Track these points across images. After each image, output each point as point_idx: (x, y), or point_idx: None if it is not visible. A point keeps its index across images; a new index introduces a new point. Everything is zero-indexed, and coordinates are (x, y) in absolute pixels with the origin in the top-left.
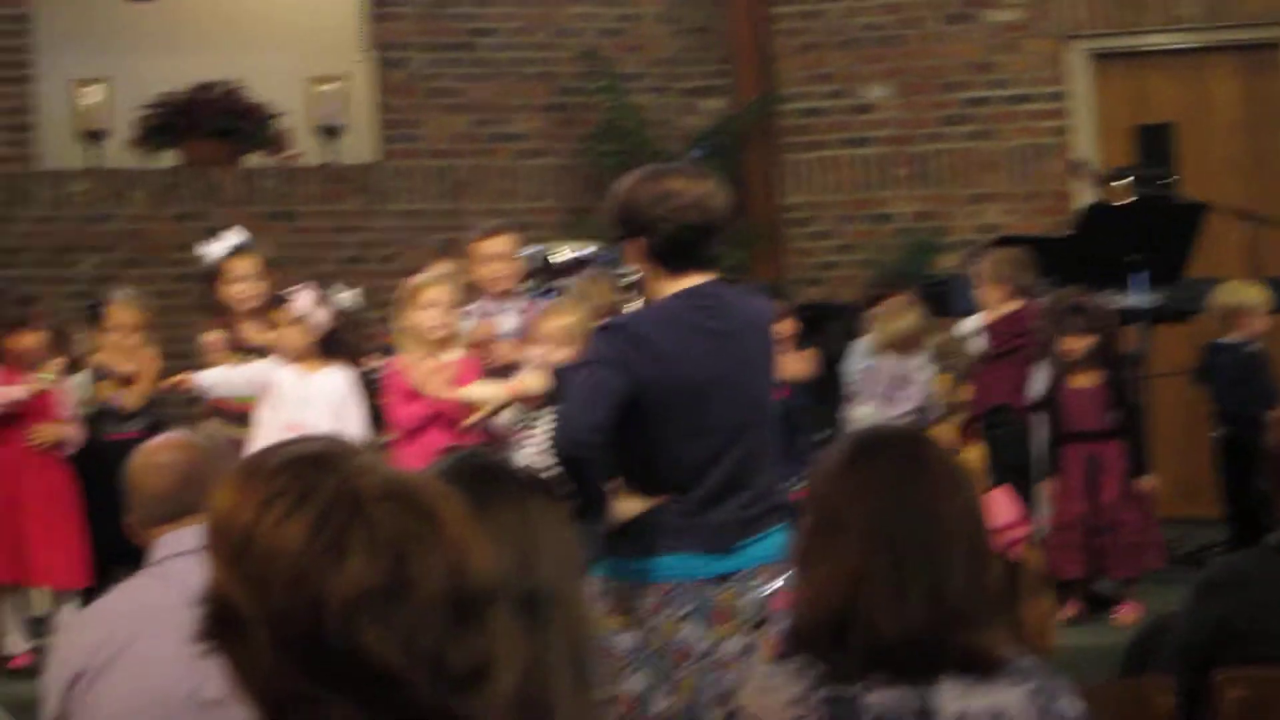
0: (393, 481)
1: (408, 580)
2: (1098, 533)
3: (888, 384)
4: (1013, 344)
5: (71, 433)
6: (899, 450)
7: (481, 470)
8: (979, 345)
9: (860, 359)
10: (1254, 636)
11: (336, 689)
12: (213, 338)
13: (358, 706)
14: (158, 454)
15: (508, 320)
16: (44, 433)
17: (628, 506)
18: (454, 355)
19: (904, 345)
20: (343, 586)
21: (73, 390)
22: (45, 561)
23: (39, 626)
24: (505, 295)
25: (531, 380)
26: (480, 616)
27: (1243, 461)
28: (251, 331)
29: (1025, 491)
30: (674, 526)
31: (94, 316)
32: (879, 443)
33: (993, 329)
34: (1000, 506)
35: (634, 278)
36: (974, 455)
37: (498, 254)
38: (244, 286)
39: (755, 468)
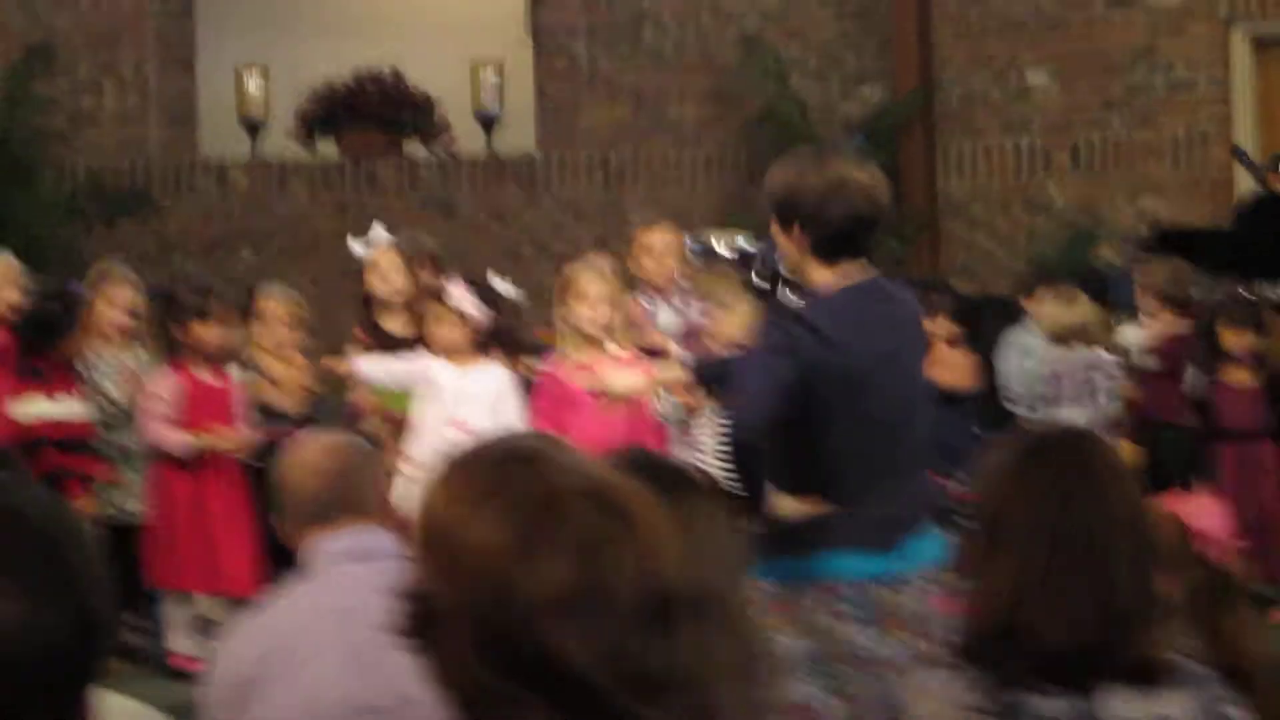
0: (592, 481)
1: (601, 582)
2: (1253, 534)
3: (1076, 381)
4: (1180, 364)
5: (251, 436)
6: (1064, 453)
7: (645, 467)
8: (1147, 362)
9: (1018, 354)
10: None
11: (530, 688)
12: (358, 352)
13: (550, 706)
14: (306, 454)
15: (663, 315)
16: (230, 443)
17: (790, 506)
18: (613, 351)
19: (1076, 337)
20: (537, 586)
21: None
22: (232, 569)
23: (199, 624)
24: (665, 288)
25: (670, 370)
26: (670, 621)
27: None
28: (396, 325)
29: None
30: (836, 524)
31: (248, 310)
32: (1044, 445)
33: (1161, 351)
34: (1206, 513)
35: (781, 268)
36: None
37: (661, 245)
38: (387, 279)
39: (916, 462)
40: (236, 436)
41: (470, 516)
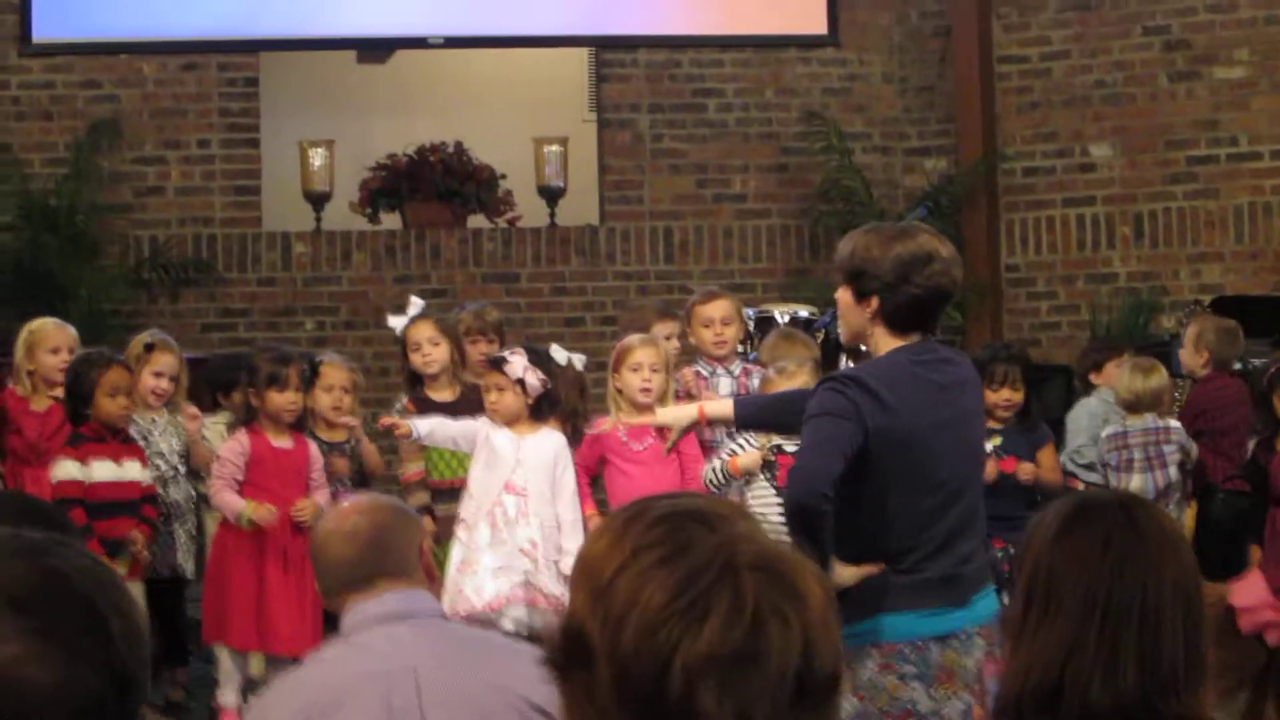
0: (768, 554)
1: (760, 652)
2: None
3: (1145, 448)
4: (1201, 425)
5: (326, 499)
6: (1113, 517)
7: None
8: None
9: (1092, 422)
10: None
11: None
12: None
13: None
14: (342, 520)
15: (723, 384)
16: (305, 510)
17: (846, 574)
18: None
19: (1150, 405)
20: (695, 646)
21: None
22: (285, 629)
23: (249, 682)
24: (724, 359)
25: (721, 407)
26: (822, 703)
27: None
28: (444, 394)
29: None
30: (897, 584)
31: (310, 377)
32: (1093, 509)
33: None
34: (1252, 589)
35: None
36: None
37: (718, 318)
38: (424, 353)
39: (975, 522)
40: (314, 507)
41: (643, 572)
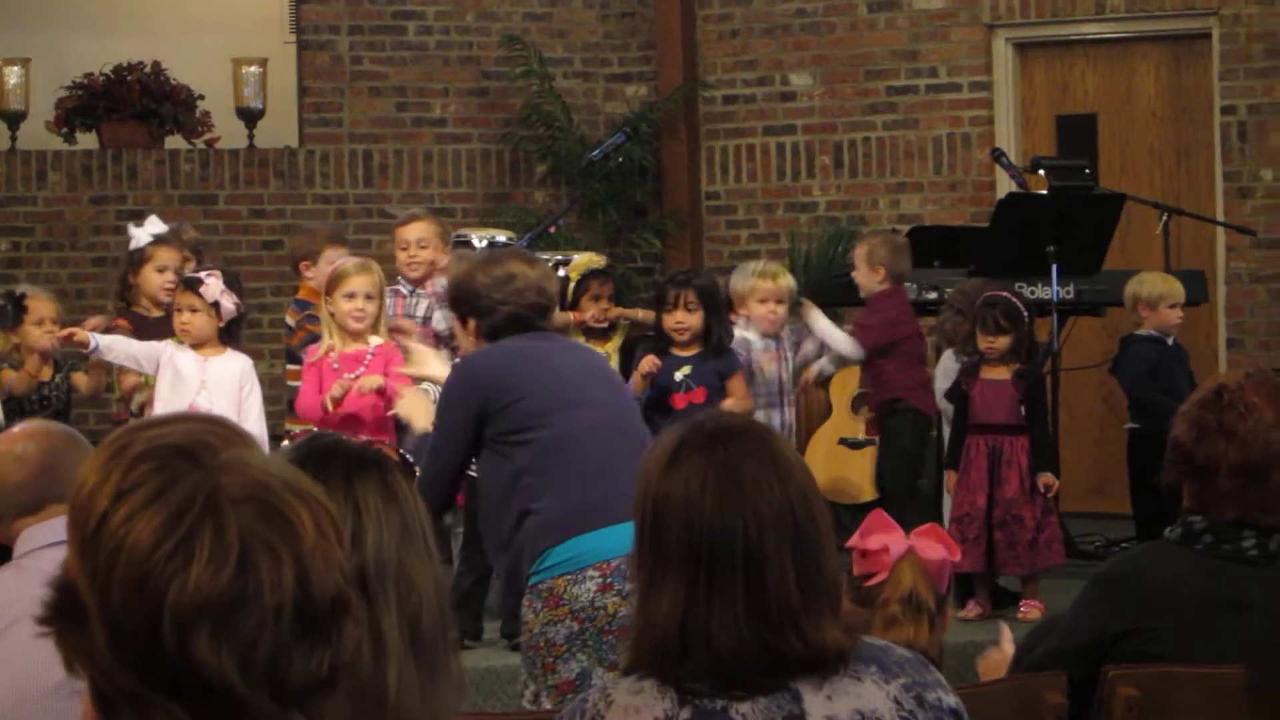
0: (256, 482)
1: (249, 592)
2: (997, 527)
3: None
4: (890, 336)
5: None
6: (707, 454)
7: (312, 453)
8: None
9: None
10: (1145, 635)
11: (168, 694)
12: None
13: (189, 714)
14: (11, 444)
15: (421, 305)
16: None
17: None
18: (375, 341)
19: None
20: (183, 593)
21: None
22: None
23: None
24: (421, 281)
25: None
26: (328, 628)
27: (1152, 456)
28: (153, 311)
29: (915, 485)
30: (606, 499)
31: (15, 311)
32: (687, 447)
33: (859, 325)
34: (872, 529)
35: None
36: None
37: (414, 240)
38: (168, 277)
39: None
40: None
41: (122, 513)
